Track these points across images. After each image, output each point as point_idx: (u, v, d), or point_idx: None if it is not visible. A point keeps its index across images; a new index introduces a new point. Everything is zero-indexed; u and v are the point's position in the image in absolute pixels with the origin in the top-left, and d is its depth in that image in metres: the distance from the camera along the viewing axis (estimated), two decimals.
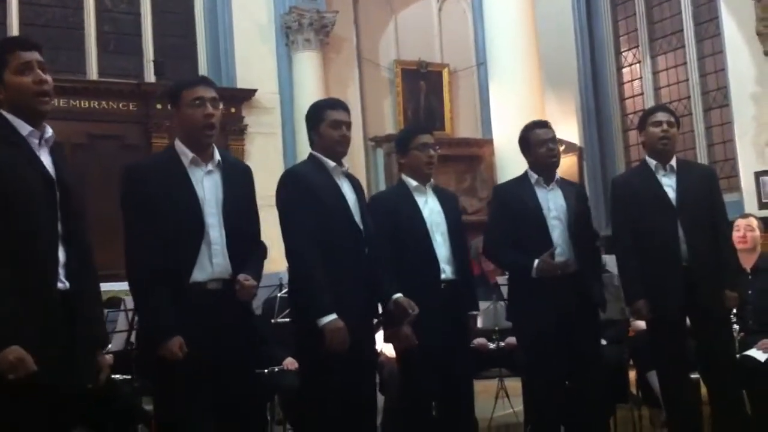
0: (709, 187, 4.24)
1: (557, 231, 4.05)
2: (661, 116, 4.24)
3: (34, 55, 2.69)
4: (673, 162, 4.22)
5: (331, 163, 3.56)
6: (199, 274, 3.02)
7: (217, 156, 3.17)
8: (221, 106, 3.19)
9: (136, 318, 4.61)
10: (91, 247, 2.79)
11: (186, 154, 3.11)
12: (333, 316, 3.31)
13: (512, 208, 4.12)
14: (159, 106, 9.40)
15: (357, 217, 3.55)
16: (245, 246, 3.13)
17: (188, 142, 3.13)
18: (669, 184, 4.17)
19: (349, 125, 3.64)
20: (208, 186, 3.10)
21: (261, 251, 3.27)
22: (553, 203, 4.10)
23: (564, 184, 4.23)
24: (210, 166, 3.14)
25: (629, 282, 4.19)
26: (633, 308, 4.18)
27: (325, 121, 3.57)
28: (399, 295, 3.63)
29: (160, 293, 2.95)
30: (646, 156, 4.32)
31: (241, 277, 3.05)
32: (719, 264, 4.10)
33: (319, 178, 3.52)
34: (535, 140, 4.15)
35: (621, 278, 4.27)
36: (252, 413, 3.21)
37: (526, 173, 4.20)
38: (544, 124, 4.26)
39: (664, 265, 4.09)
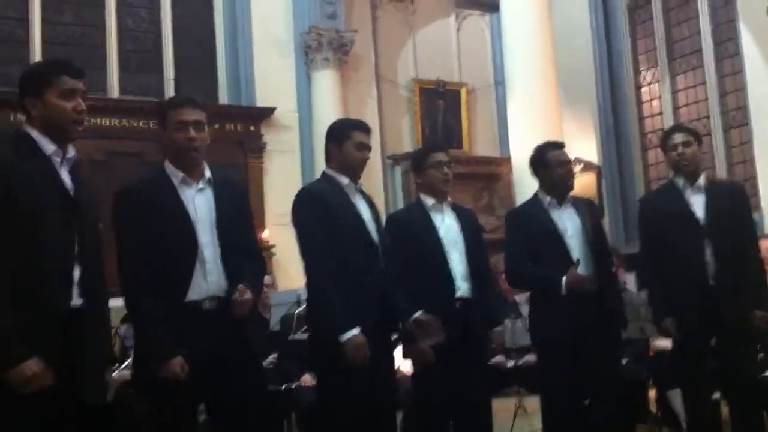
0: (738, 205, 4.19)
1: (576, 250, 4.03)
2: (676, 138, 4.19)
3: (80, 84, 2.73)
4: (701, 180, 4.18)
5: (345, 180, 3.55)
6: (194, 293, 3.00)
7: (208, 173, 3.15)
8: (206, 128, 3.14)
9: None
10: (104, 265, 2.79)
11: (176, 175, 3.09)
12: (354, 332, 3.29)
13: (530, 231, 4.08)
14: None
15: (373, 234, 3.54)
16: (241, 262, 3.11)
17: (176, 162, 3.11)
18: (697, 202, 4.12)
19: (370, 149, 3.67)
20: (199, 204, 3.08)
21: (259, 265, 3.26)
22: (569, 222, 4.07)
23: (575, 201, 4.21)
24: (201, 184, 3.11)
25: (657, 300, 4.15)
26: (660, 327, 4.13)
27: (351, 140, 3.57)
28: (420, 313, 3.59)
29: (157, 313, 2.93)
30: (674, 175, 4.28)
31: (239, 290, 3.02)
32: (747, 283, 4.03)
33: (333, 195, 3.51)
34: (555, 161, 4.12)
35: (648, 296, 4.23)
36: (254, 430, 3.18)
37: (536, 195, 4.18)
38: (561, 145, 4.24)
39: (690, 284, 4.03)
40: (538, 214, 4.09)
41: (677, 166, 4.20)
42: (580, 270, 3.96)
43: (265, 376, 4.27)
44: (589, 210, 4.21)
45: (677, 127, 4.64)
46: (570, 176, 4.15)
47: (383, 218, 3.84)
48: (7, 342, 2.46)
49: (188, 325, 2.96)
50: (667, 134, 4.33)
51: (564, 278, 3.90)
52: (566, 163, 4.14)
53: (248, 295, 3.04)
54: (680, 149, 4.16)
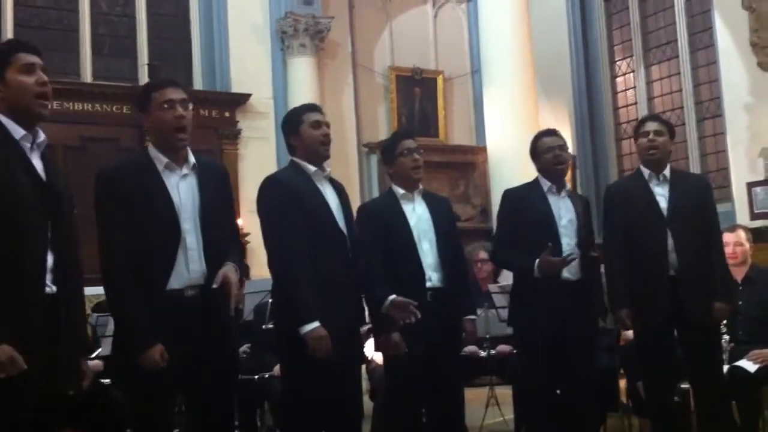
0: (703, 198, 4.26)
1: (566, 239, 4.09)
2: (648, 126, 4.27)
3: (37, 59, 2.70)
4: (667, 171, 4.24)
5: (312, 168, 3.53)
6: (175, 281, 2.96)
7: (192, 159, 3.11)
8: (191, 107, 3.12)
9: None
10: (79, 252, 2.77)
11: (160, 159, 3.04)
12: (315, 324, 3.29)
13: (524, 213, 4.14)
14: None
15: (341, 222, 3.52)
16: (222, 249, 3.07)
17: (161, 146, 3.07)
18: (662, 193, 4.19)
19: (328, 125, 3.63)
20: (183, 190, 3.04)
21: (237, 249, 3.20)
22: (564, 211, 4.14)
23: (571, 194, 4.28)
24: (185, 170, 3.07)
25: (615, 290, 4.21)
26: (616, 317, 4.20)
27: (305, 122, 3.56)
28: (394, 296, 3.62)
29: (137, 300, 2.89)
30: (640, 165, 4.35)
31: (222, 272, 2.96)
32: (710, 275, 4.11)
33: (300, 183, 3.48)
34: (542, 148, 4.20)
35: (608, 286, 4.29)
36: (226, 420, 3.17)
37: (537, 180, 4.24)
38: (552, 132, 4.31)
39: (651, 274, 4.11)
40: (537, 197, 4.15)
41: (644, 154, 4.25)
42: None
43: (239, 366, 4.27)
44: (582, 206, 4.27)
45: (652, 116, 4.71)
46: (556, 161, 4.19)
47: (355, 206, 3.84)
48: None
49: (169, 313, 2.92)
50: (641, 121, 4.40)
51: (537, 261, 3.94)
52: (554, 149, 4.19)
53: (232, 273, 2.97)
54: (651, 136, 4.22)
